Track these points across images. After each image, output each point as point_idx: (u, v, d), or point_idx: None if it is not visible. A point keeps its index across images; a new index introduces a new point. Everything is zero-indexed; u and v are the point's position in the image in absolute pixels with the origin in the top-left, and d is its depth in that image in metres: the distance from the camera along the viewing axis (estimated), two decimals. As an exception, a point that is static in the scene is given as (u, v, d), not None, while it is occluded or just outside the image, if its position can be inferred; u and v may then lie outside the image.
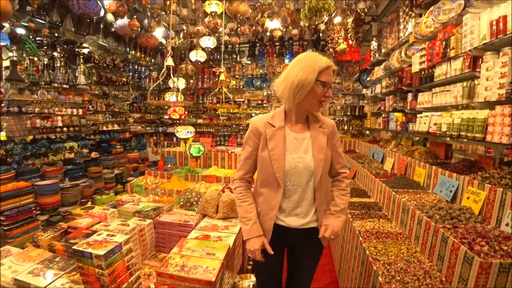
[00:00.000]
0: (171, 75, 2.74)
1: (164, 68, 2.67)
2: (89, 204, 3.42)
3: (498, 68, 1.87)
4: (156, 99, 6.52)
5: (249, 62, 6.45)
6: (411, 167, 2.77)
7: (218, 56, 6.56)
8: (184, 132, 2.99)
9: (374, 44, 4.56)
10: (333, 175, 1.55)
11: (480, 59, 2.09)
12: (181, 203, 2.51)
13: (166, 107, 7.11)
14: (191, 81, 6.59)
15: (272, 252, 1.36)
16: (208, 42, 3.97)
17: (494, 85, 1.89)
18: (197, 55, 3.88)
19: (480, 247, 1.39)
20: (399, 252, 1.77)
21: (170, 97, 2.93)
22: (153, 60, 6.72)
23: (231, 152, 3.52)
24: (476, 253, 1.35)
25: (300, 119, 1.44)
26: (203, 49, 4.02)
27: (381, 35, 4.27)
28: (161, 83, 2.92)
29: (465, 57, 2.17)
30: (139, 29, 4.44)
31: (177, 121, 7.16)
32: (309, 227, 1.42)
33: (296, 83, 1.30)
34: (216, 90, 4.23)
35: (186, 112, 3.18)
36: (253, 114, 6.51)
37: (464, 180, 1.95)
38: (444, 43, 2.39)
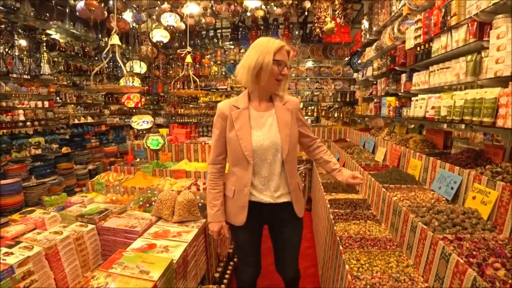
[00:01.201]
0: (118, 56, 2.30)
1: (108, 47, 2.24)
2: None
3: (513, 35, 1.48)
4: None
5: (232, 47, 5.97)
6: (405, 158, 2.41)
7: (199, 41, 6.09)
8: (140, 122, 2.59)
9: (365, 23, 4.14)
10: (309, 144, 1.71)
11: (489, 26, 1.70)
12: (140, 203, 2.15)
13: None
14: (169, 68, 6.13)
15: (227, 236, 1.57)
16: (170, 19, 3.49)
17: (508, 56, 1.50)
18: (158, 35, 3.37)
19: (494, 270, 1.04)
20: (386, 267, 1.42)
21: (126, 83, 2.52)
22: (130, 48, 6.23)
23: (205, 143, 3.13)
24: (489, 280, 0.99)
25: (264, 99, 1.53)
26: (165, 29, 3.54)
27: (372, 12, 3.84)
28: (105, 66, 2.46)
29: (469, 24, 1.78)
30: (105, 13, 3.95)
31: (159, 110, 6.73)
32: (283, 202, 1.53)
33: (253, 66, 1.39)
34: (181, 75, 3.77)
35: (142, 100, 2.77)
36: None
37: (469, 176, 1.59)
38: (443, 10, 1.99)
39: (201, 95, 6.11)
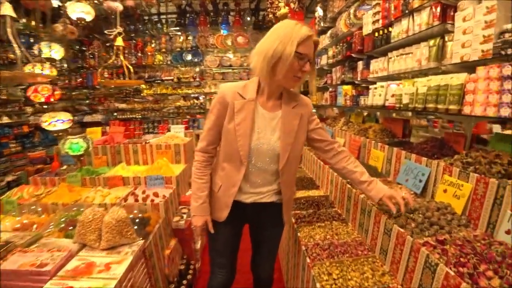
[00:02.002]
0: (11, 33, 1.76)
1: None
2: None
3: (480, 16, 1.38)
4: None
5: (178, 33, 5.45)
6: (365, 149, 2.30)
7: (140, 26, 5.46)
8: (52, 121, 2.08)
9: (319, 10, 3.99)
10: (325, 149, 1.45)
11: (452, 9, 1.61)
12: (62, 225, 1.71)
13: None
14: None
15: (212, 231, 1.37)
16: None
17: (475, 39, 1.40)
18: (77, 10, 2.71)
19: (487, 280, 0.90)
20: (362, 279, 1.25)
21: (35, 70, 1.99)
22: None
23: (146, 142, 2.71)
24: (487, 294, 0.85)
25: (273, 95, 1.31)
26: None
27: (326, -2, 3.71)
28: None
29: (433, 6, 1.67)
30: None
31: (95, 106, 5.96)
32: (270, 202, 1.38)
33: (271, 54, 1.15)
34: (109, 61, 3.25)
35: (57, 93, 2.27)
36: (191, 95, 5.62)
37: (438, 167, 1.48)
38: (404, -9, 1.87)
39: (144, 87, 5.49)
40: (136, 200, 1.92)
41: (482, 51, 1.37)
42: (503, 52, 1.27)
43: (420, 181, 1.58)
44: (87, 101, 6.14)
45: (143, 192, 2.05)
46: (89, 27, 5.28)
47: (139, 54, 5.44)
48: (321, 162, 2.50)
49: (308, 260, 1.40)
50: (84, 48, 5.85)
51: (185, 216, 2.10)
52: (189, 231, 2.08)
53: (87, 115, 5.98)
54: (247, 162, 1.28)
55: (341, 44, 3.09)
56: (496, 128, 3.52)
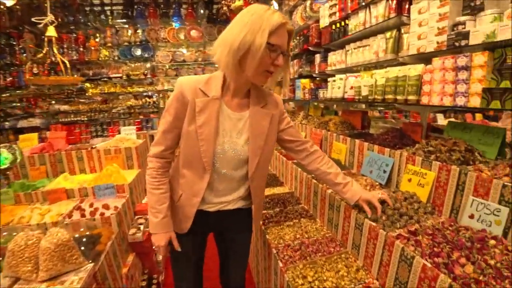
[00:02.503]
0: None
1: None
2: None
3: (434, 9, 1.41)
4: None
5: (125, 26, 5.02)
6: (327, 142, 2.30)
7: (81, 18, 4.93)
8: None
9: (274, 4, 3.94)
10: (297, 149, 1.33)
11: (407, 1, 1.63)
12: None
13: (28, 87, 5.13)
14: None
15: (179, 249, 1.22)
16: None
17: (431, 31, 1.43)
18: None
19: (461, 267, 0.90)
20: (337, 278, 1.21)
21: None
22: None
23: (93, 147, 2.42)
24: (462, 282, 0.85)
25: (240, 93, 1.16)
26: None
27: (280, -9, 3.67)
28: None
29: (389, -2, 1.68)
30: None
31: (33, 111, 5.28)
32: (234, 208, 1.26)
33: (237, 46, 0.99)
34: (40, 55, 2.86)
35: None
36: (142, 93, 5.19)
37: (401, 157, 1.50)
38: (360, -17, 1.87)
39: (89, 85, 4.98)
40: (83, 216, 1.67)
41: (437, 42, 1.40)
42: (457, 44, 1.30)
43: (384, 171, 1.60)
44: (19, 104, 5.40)
45: (91, 205, 1.80)
46: (18, 16, 4.64)
47: (81, 49, 4.91)
48: (283, 157, 2.46)
49: (280, 264, 1.33)
50: (13, 42, 5.12)
51: (142, 227, 1.90)
52: (149, 243, 1.89)
53: (22, 120, 5.26)
54: (211, 170, 1.13)
55: (297, 38, 3.07)
56: (440, 117, 3.81)
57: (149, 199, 1.19)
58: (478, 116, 4.31)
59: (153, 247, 1.22)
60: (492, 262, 0.91)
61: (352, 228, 1.35)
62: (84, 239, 1.45)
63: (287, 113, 1.32)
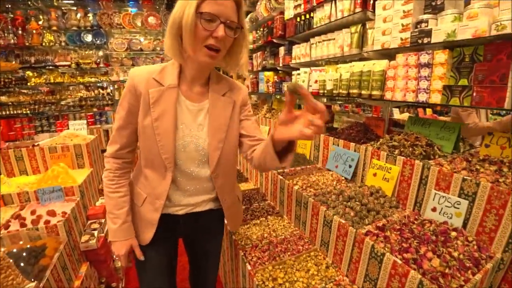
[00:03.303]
0: None
1: None
2: None
3: (399, 6, 1.43)
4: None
5: (74, 8, 4.51)
6: (293, 137, 2.28)
7: (18, -3, 4.32)
8: None
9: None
10: (251, 148, 1.09)
11: (372, -5, 1.64)
12: None
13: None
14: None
15: (142, 258, 1.10)
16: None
17: (395, 27, 1.45)
18: None
19: (429, 261, 0.92)
20: (308, 277, 1.19)
21: None
22: None
23: (35, 145, 2.14)
24: (431, 277, 0.86)
25: (198, 80, 1.05)
26: None
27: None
28: None
29: (354, -8, 1.68)
30: None
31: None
32: (204, 210, 1.15)
33: (170, 25, 0.93)
34: None
35: None
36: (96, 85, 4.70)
37: (367, 152, 1.52)
38: (325, -25, 1.84)
39: (31, 74, 4.42)
40: (23, 225, 1.44)
41: (401, 39, 1.42)
42: (420, 41, 1.33)
43: (350, 166, 1.61)
44: None
45: (33, 212, 1.56)
46: None
47: (20, 32, 4.32)
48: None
49: (248, 267, 1.27)
50: None
51: (96, 232, 1.71)
52: (104, 249, 1.72)
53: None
54: (173, 167, 1.02)
55: (261, 29, 3.00)
56: (396, 111, 4.02)
57: (106, 204, 1.07)
58: (428, 111, 4.67)
59: (114, 256, 1.08)
60: (455, 254, 0.95)
61: (321, 225, 1.34)
62: (24, 254, 1.26)
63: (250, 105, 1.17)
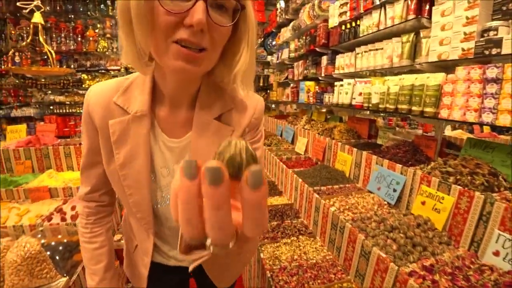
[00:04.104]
0: None
1: None
2: None
3: (461, 11, 1.25)
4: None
5: (126, 17, 4.84)
6: (331, 151, 2.15)
7: (81, 7, 4.77)
8: None
9: (281, 2, 3.78)
10: None
11: (428, 2, 1.47)
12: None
13: (9, 76, 4.98)
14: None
15: None
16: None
17: (455, 36, 1.28)
18: None
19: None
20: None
21: None
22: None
23: (81, 144, 2.27)
24: None
25: (181, 100, 0.69)
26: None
27: (288, -12, 3.50)
28: None
29: (408, -3, 1.53)
30: None
31: (30, 101, 5.13)
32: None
33: (120, 10, 0.54)
34: (24, 43, 2.70)
35: None
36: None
37: (415, 176, 1.35)
38: (376, -20, 1.72)
39: (86, 77, 4.82)
40: (63, 220, 1.53)
41: (463, 49, 1.24)
42: (486, 52, 1.15)
43: (395, 190, 1.45)
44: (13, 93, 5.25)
45: (73, 208, 1.65)
46: (15, 2, 4.48)
47: (79, 39, 4.75)
48: (283, 164, 2.31)
49: (275, 291, 1.18)
50: (10, 29, 4.96)
51: (127, 235, 1.75)
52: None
53: (16, 109, 5.11)
54: (153, 228, 0.77)
55: (304, 37, 2.92)
56: (447, 128, 3.64)
57: (82, 255, 0.84)
58: (486, 128, 4.15)
59: None
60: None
61: (357, 255, 1.20)
62: (61, 248, 1.31)
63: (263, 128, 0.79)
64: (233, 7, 0.54)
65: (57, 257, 1.30)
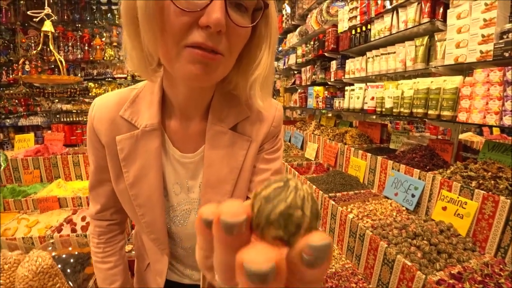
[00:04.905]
0: None
1: None
2: None
3: (478, 14, 1.24)
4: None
5: (132, 26, 4.89)
6: (343, 156, 2.13)
7: (88, 16, 4.83)
8: None
9: (287, 8, 3.80)
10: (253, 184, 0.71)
11: (441, 5, 1.46)
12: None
13: (19, 85, 5.03)
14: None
15: None
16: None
17: (473, 38, 1.26)
18: None
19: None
20: (365, 322, 1.03)
21: None
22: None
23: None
24: None
25: (193, 111, 0.64)
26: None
27: (294, -6, 3.52)
28: None
29: (422, 1, 1.51)
30: None
31: (37, 109, 5.17)
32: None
33: (125, 14, 0.48)
34: (34, 52, 2.72)
35: None
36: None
37: (434, 181, 1.32)
38: (387, -16, 1.71)
39: (92, 85, 4.85)
40: (73, 231, 1.51)
41: (481, 52, 1.23)
42: (506, 54, 1.13)
43: (413, 196, 1.42)
44: (22, 101, 5.29)
45: (83, 218, 1.63)
46: (23, 12, 4.54)
47: (86, 48, 4.79)
48: (295, 171, 2.29)
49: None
50: (20, 38, 5.03)
51: (140, 243, 1.73)
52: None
53: (24, 118, 5.15)
54: (168, 249, 0.72)
55: (312, 43, 2.91)
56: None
57: (96, 275, 0.80)
58: (496, 130, 4.09)
59: None
60: None
61: (379, 263, 1.17)
62: (72, 260, 1.28)
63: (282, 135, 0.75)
64: (254, 6, 0.48)
65: (69, 270, 1.27)
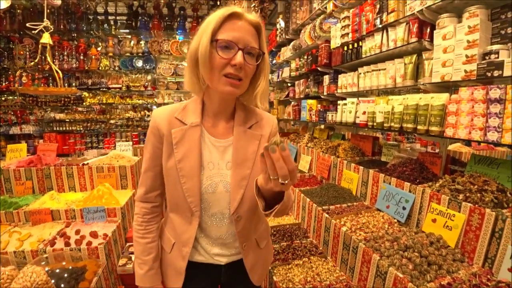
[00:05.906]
0: None
1: None
2: None
3: (462, 35, 1.32)
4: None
5: (128, 37, 4.94)
6: (336, 169, 2.17)
7: (84, 26, 4.85)
8: None
9: (281, 22, 3.90)
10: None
11: (429, 26, 1.54)
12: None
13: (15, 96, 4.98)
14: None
15: None
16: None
17: (457, 58, 1.33)
18: None
19: None
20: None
21: None
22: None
23: (84, 164, 2.26)
24: None
25: (223, 115, 0.99)
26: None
27: (289, 10, 3.62)
28: None
29: (410, 22, 1.59)
30: None
31: (30, 118, 5.11)
32: (238, 260, 1.03)
33: (189, 57, 0.90)
34: (32, 63, 2.73)
35: None
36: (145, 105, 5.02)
37: (424, 194, 1.37)
38: (378, 6, 1.79)
39: (87, 95, 4.84)
40: (67, 244, 1.49)
41: (466, 71, 1.29)
42: (489, 74, 1.20)
43: (404, 208, 1.46)
44: (14, 108, 5.24)
45: (77, 232, 1.61)
46: (19, 20, 4.55)
47: (82, 57, 4.81)
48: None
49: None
50: (12, 46, 5.01)
51: (133, 256, 1.72)
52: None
53: (15, 126, 5.08)
54: (200, 212, 0.93)
55: (305, 57, 2.99)
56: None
57: (135, 248, 1.02)
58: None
59: None
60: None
61: (373, 275, 1.20)
62: (66, 274, 1.27)
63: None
64: (257, 53, 0.87)
65: (62, 285, 1.26)
